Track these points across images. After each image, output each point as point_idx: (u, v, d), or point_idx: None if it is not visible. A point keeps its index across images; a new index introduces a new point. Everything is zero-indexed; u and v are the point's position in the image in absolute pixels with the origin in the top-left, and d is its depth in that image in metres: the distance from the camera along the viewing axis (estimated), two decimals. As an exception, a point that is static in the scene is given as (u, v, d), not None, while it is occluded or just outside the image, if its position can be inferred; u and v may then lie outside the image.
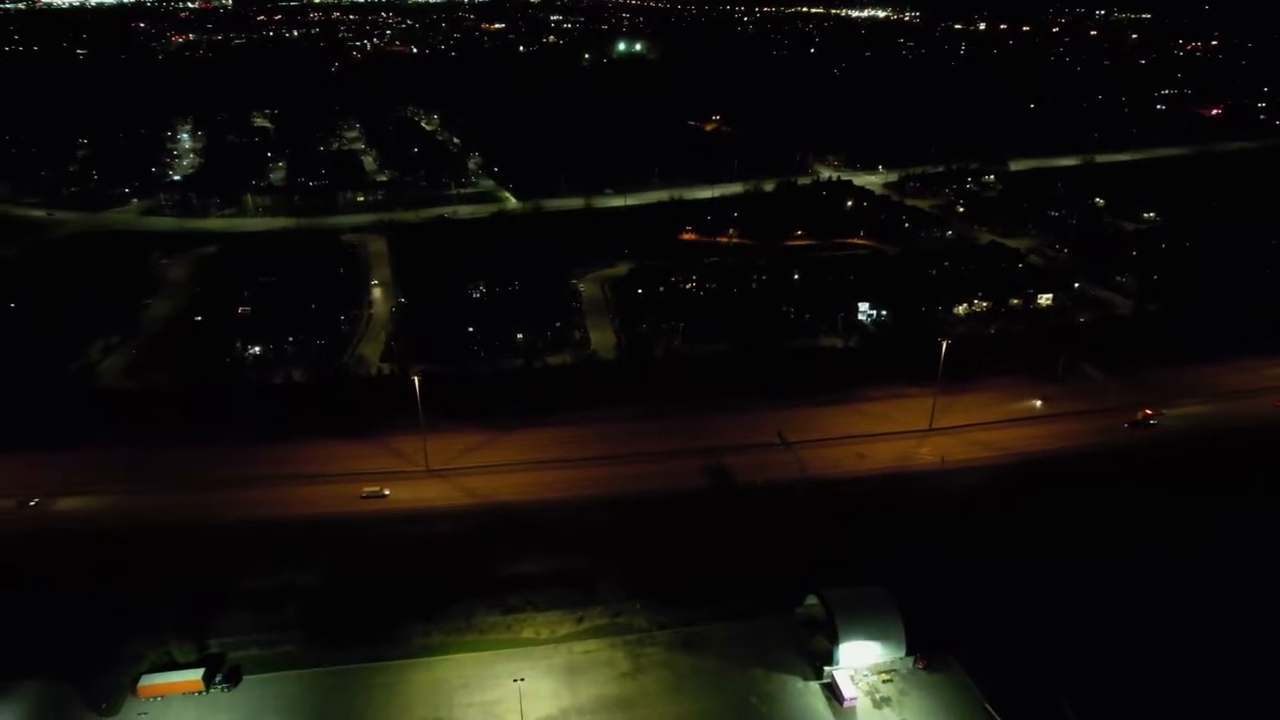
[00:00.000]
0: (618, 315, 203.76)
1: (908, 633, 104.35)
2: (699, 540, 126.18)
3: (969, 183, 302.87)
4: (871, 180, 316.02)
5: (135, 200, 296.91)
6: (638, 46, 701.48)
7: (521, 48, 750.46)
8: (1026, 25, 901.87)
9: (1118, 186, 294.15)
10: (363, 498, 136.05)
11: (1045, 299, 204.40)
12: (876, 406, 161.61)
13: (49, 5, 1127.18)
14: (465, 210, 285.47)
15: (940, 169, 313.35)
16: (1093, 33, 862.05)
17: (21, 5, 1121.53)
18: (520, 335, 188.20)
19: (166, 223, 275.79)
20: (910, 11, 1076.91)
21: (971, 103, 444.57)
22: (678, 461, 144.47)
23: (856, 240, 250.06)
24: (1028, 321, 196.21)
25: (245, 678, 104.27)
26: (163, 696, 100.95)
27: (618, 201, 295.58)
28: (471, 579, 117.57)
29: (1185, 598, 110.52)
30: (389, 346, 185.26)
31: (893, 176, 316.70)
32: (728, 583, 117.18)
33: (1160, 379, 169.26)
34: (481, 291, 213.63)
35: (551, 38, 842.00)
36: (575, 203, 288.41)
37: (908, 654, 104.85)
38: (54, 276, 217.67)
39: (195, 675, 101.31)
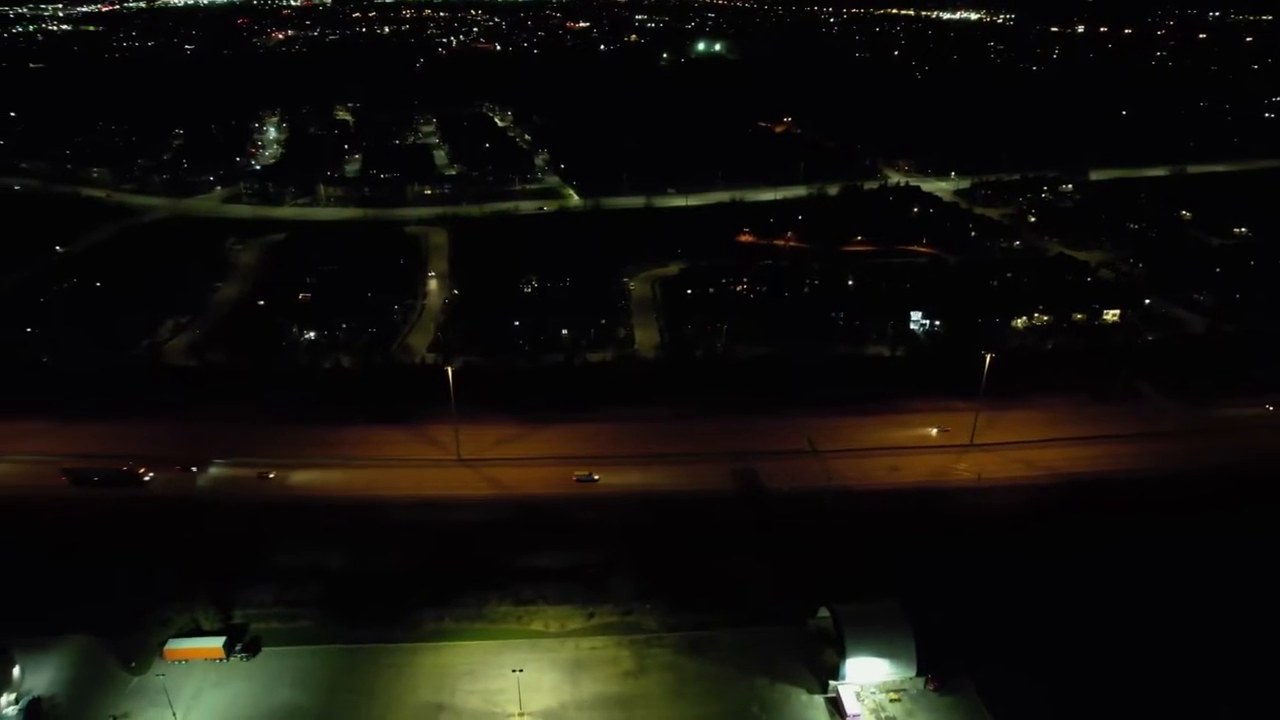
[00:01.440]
0: (663, 314, 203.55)
1: (920, 651, 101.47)
2: (718, 544, 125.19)
3: (1044, 192, 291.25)
4: (941, 186, 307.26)
5: (218, 188, 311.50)
6: (717, 46, 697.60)
7: (602, 46, 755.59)
8: (1128, 29, 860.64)
9: (1208, 199, 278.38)
10: (576, 480, 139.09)
11: (1111, 315, 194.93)
12: (917, 418, 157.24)
13: (166, 4, 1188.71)
14: (527, 206, 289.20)
15: (1016, 177, 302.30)
16: (1201, 36, 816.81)
17: (142, 4, 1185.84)
18: (565, 331, 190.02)
19: (244, 210, 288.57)
20: (1005, 14, 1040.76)
21: (1057, 109, 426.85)
22: (706, 464, 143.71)
23: (918, 248, 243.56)
24: (1090, 338, 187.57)
25: (264, 649, 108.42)
26: (186, 660, 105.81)
27: (679, 201, 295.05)
28: (488, 568, 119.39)
29: (1214, 629, 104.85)
30: (437, 337, 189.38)
31: (965, 183, 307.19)
32: (742, 589, 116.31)
33: (1227, 404, 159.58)
34: (533, 286, 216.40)
35: (634, 36, 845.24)
36: (636, 201, 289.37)
37: (919, 674, 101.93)
38: (138, 258, 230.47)
39: (217, 643, 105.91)
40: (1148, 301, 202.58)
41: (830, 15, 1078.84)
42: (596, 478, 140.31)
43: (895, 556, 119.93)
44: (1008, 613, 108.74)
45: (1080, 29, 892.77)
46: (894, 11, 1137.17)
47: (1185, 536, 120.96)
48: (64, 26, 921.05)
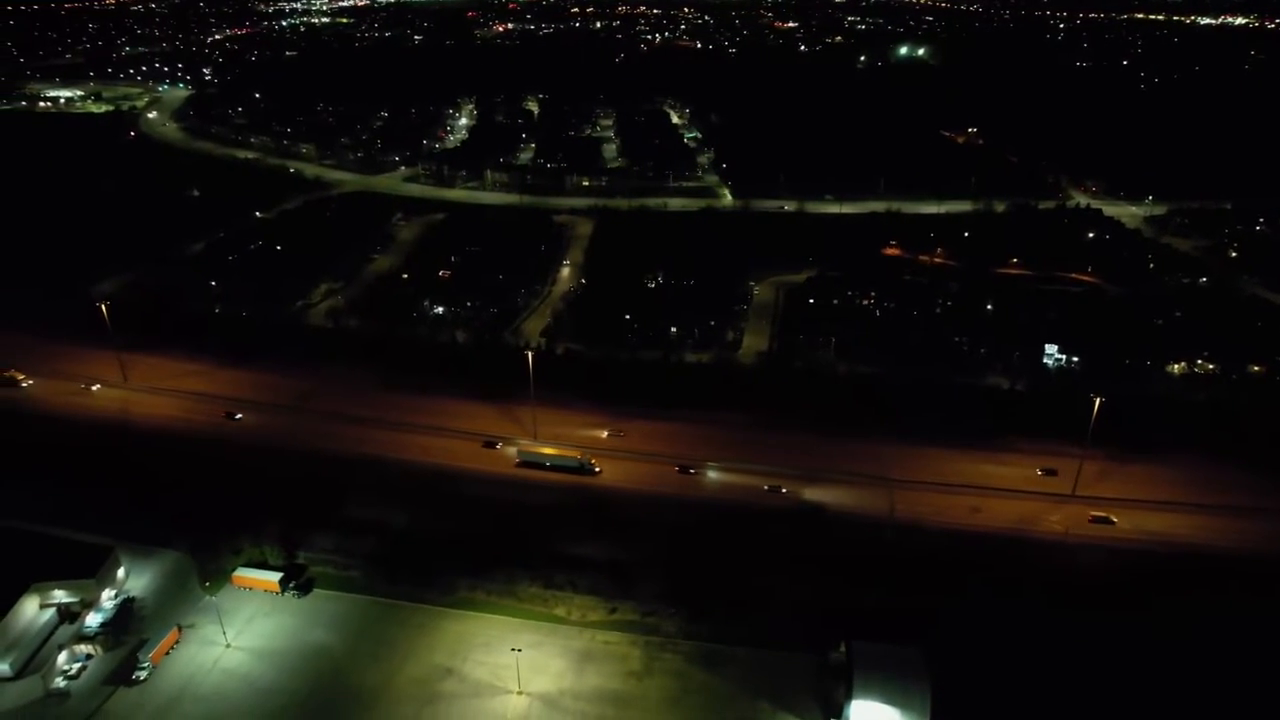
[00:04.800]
0: (779, 321, 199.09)
1: (935, 704, 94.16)
2: (763, 562, 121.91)
3: (1259, 224, 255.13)
4: (1130, 212, 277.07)
5: (402, 168, 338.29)
6: (920, 51, 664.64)
7: (802, 47, 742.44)
8: None
9: None
10: (765, 490, 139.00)
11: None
12: (1019, 460, 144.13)
13: (411, 1, 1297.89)
14: (676, 203, 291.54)
15: (1227, 206, 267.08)
16: None
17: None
18: (674, 329, 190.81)
19: (419, 189, 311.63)
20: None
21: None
22: (773, 478, 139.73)
23: (1079, 275, 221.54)
24: (1265, 395, 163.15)
25: (316, 590, 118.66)
26: (250, 589, 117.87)
27: (833, 208, 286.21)
28: (528, 549, 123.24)
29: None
30: (549, 323, 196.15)
31: (1160, 209, 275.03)
32: (774, 609, 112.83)
33: None
34: (657, 282, 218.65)
35: (838, 38, 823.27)
36: (789, 205, 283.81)
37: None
38: (313, 226, 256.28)
39: (275, 578, 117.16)
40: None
41: (1061, 20, 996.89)
42: (784, 490, 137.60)
43: (943, 602, 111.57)
44: (1046, 684, 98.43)
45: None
46: (1140, 17, 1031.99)
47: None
48: (324, 19, 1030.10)
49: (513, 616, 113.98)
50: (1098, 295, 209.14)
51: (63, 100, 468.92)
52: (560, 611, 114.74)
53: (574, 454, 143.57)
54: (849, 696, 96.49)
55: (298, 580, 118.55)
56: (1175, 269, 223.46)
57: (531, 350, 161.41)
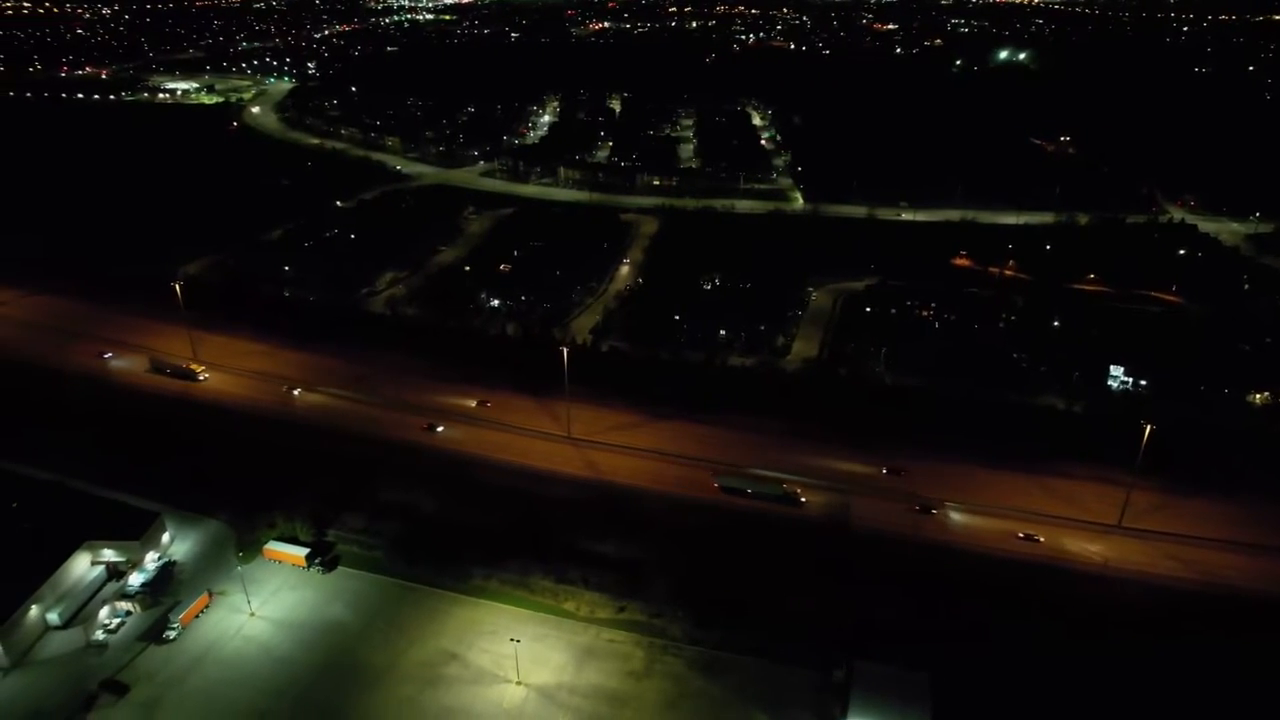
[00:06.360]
0: (833, 329, 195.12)
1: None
2: (781, 572, 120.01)
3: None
4: (1231, 229, 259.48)
5: (480, 162, 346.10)
6: (1021, 55, 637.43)
7: (898, 50, 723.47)
8: None
9: None
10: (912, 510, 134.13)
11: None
12: (1067, 485, 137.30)
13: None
14: (745, 205, 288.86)
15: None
16: None
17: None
18: (723, 332, 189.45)
19: (493, 184, 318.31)
20: None
21: None
22: (802, 488, 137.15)
23: (1161, 294, 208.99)
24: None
25: (340, 568, 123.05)
26: (279, 562, 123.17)
27: (906, 215, 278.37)
28: (546, 542, 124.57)
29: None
30: (600, 321, 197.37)
31: (1268, 228, 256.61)
32: (784, 621, 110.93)
33: None
34: (714, 284, 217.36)
35: (938, 41, 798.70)
36: (860, 210, 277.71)
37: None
38: (388, 216, 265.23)
39: (302, 553, 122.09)
40: None
41: (1186, 23, 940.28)
42: (933, 510, 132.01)
43: (959, 626, 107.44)
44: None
45: None
46: (1278, 18, 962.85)
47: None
48: (427, 16, 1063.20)
49: (521, 607, 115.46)
50: (1179, 315, 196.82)
51: (179, 92, 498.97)
52: (570, 606, 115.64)
53: (777, 481, 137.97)
54: (844, 716, 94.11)
55: (323, 557, 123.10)
56: (1274, 291, 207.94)
57: (574, 347, 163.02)
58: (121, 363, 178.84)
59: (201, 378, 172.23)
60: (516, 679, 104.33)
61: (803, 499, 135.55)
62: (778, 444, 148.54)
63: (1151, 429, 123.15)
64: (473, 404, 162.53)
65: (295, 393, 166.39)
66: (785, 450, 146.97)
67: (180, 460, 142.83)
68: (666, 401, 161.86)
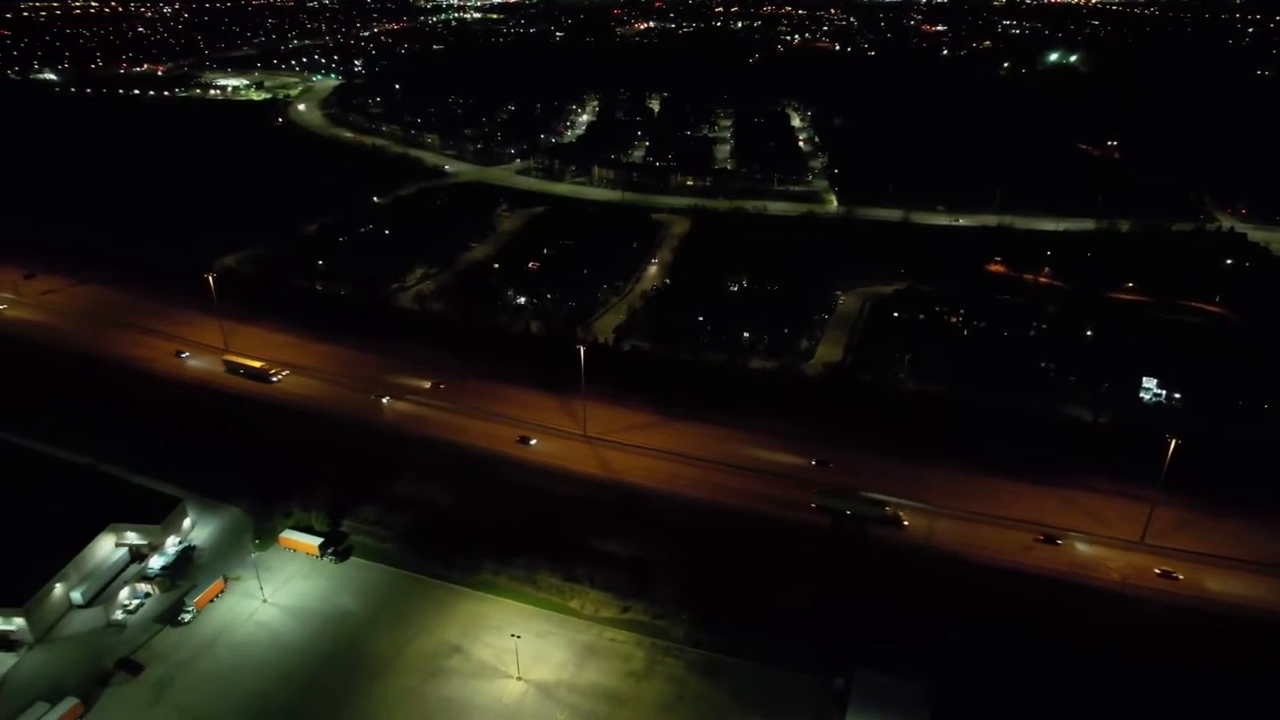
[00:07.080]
0: (858, 333, 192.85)
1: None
2: (787, 576, 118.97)
3: None
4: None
5: (517, 160, 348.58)
6: (1072, 58, 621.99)
7: (945, 51, 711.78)
8: None
9: None
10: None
11: None
12: (1088, 499, 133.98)
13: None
14: (778, 206, 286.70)
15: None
16: None
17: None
18: (746, 334, 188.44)
19: (528, 182, 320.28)
20: None
21: None
22: (811, 493, 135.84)
23: (1204, 305, 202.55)
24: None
25: (352, 558, 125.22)
26: (294, 550, 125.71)
27: (941, 219, 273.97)
28: (555, 539, 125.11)
29: None
30: (624, 320, 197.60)
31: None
32: (788, 627, 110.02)
33: None
34: (741, 285, 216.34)
35: (987, 43, 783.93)
36: (895, 214, 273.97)
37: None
38: (421, 212, 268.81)
39: (315, 542, 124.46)
40: None
41: (1251, 24, 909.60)
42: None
43: (970, 639, 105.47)
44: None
45: None
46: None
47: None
48: (475, 15, 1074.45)
49: (526, 603, 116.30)
50: (1219, 327, 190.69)
51: (230, 88, 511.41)
52: (574, 604, 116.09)
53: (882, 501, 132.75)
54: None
55: (336, 547, 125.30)
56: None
57: (597, 346, 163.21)
58: (198, 362, 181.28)
59: (275, 379, 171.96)
60: (517, 674, 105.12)
61: (905, 522, 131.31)
62: (790, 448, 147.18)
63: (1177, 443, 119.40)
64: (497, 399, 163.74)
65: (384, 401, 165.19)
66: (797, 454, 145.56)
67: (221, 448, 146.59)
68: (682, 402, 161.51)
